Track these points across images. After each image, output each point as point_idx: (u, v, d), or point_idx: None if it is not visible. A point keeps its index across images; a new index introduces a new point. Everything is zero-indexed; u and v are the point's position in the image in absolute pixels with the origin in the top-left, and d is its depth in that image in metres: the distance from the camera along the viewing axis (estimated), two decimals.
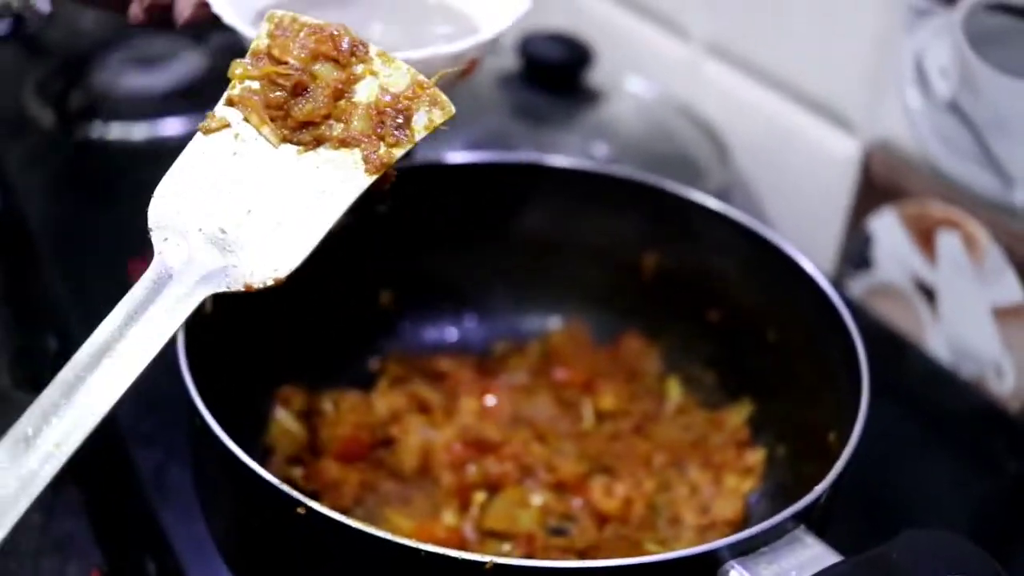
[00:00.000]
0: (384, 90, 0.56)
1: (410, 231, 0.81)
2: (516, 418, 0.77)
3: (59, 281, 0.97)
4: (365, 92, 0.56)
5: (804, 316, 0.73)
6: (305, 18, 0.57)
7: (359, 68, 0.56)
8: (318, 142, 0.56)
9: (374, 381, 0.80)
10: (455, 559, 0.51)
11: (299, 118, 0.55)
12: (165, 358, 0.81)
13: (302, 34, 0.56)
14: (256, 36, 0.57)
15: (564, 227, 0.83)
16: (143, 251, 0.96)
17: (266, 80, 0.55)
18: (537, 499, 0.72)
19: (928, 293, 0.95)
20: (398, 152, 0.56)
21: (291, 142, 0.56)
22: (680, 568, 0.53)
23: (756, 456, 0.75)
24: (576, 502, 0.72)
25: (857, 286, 1.01)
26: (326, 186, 0.56)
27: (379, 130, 0.56)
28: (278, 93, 0.55)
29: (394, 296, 0.84)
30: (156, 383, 0.82)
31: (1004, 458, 0.88)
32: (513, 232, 0.83)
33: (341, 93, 0.56)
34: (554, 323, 0.86)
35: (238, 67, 0.56)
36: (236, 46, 1.31)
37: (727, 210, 0.78)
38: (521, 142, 1.02)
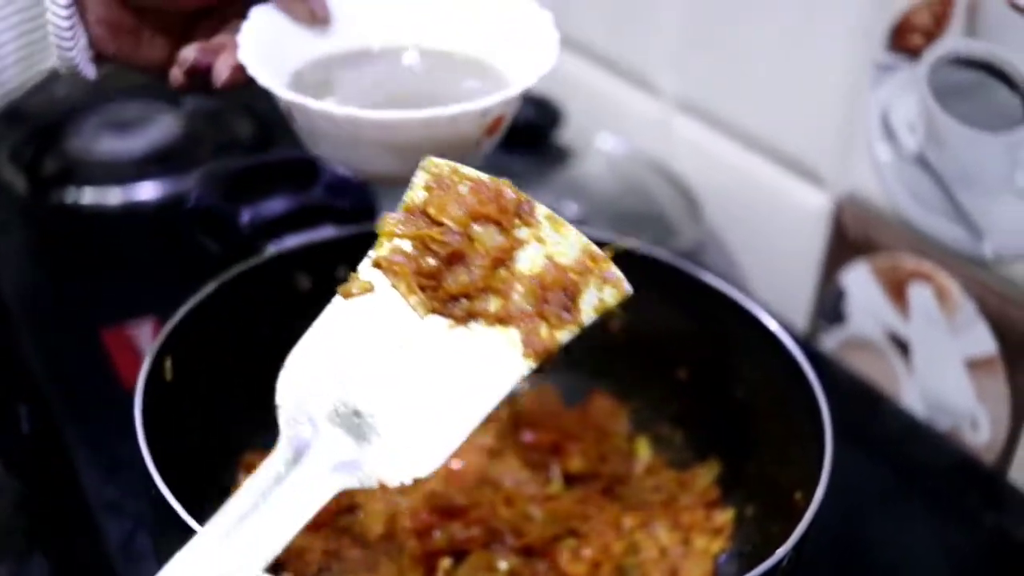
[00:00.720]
0: (550, 260, 0.50)
1: None
2: (483, 481, 0.76)
3: (31, 348, 0.97)
4: (528, 261, 0.50)
5: (770, 375, 0.73)
6: (466, 170, 0.51)
7: (523, 232, 0.50)
8: (471, 316, 0.50)
9: None
10: None
11: (453, 291, 0.50)
12: (130, 425, 0.82)
13: (462, 188, 0.50)
14: (411, 186, 0.51)
15: None
16: (116, 319, 0.97)
17: (419, 243, 0.50)
18: (503, 564, 0.71)
19: (902, 346, 0.94)
20: (562, 336, 0.50)
21: (440, 314, 0.50)
22: None
23: (725, 516, 0.74)
24: (543, 566, 0.71)
25: (831, 340, 1.01)
26: (478, 369, 0.50)
27: (542, 308, 0.49)
28: (431, 260, 0.49)
29: None
30: (120, 449, 0.83)
31: (981, 511, 0.88)
32: None
33: (501, 261, 0.50)
34: (522, 385, 0.85)
35: (388, 223, 0.51)
36: (209, 110, 1.32)
37: (692, 269, 0.78)
38: None
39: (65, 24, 0.62)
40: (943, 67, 0.85)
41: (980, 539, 0.87)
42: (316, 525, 0.71)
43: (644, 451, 0.81)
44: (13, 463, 1.00)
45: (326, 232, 0.78)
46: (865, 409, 0.95)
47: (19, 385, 0.98)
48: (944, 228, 0.89)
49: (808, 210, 1.00)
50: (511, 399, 0.83)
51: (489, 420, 0.80)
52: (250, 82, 0.64)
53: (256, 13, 0.66)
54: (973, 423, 0.90)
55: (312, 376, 0.50)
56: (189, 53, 0.64)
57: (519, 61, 0.68)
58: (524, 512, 0.74)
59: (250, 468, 0.74)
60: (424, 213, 0.50)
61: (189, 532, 0.55)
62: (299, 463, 0.48)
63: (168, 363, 0.67)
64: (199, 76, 0.64)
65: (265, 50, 0.65)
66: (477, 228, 0.50)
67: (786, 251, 1.04)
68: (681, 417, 0.81)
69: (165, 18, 0.65)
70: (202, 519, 0.56)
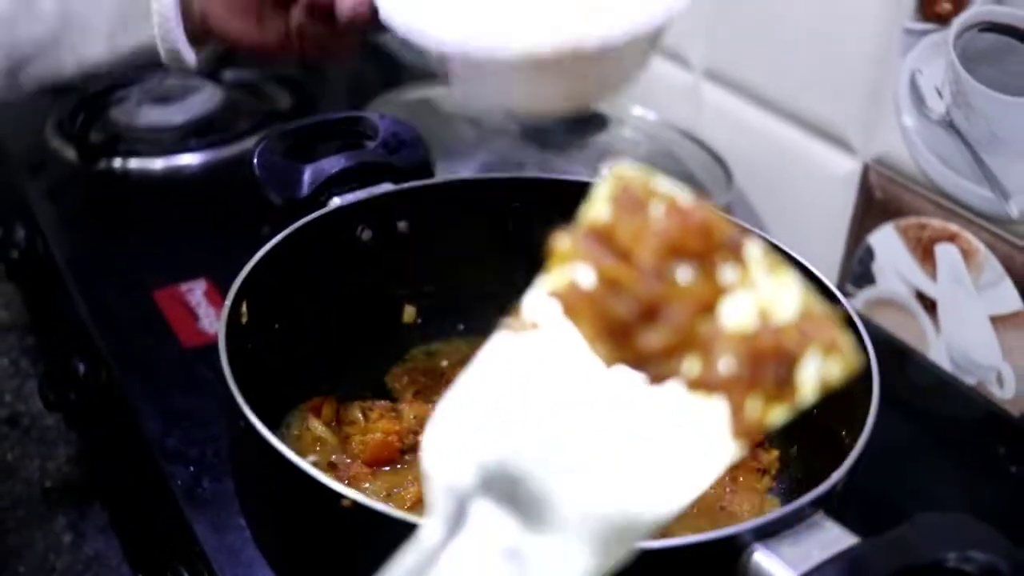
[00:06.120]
0: (763, 315, 0.38)
1: (431, 247, 0.84)
2: None
3: (84, 308, 0.99)
4: (736, 315, 0.38)
5: None
6: (662, 185, 0.39)
7: (729, 274, 0.38)
8: (665, 377, 0.38)
9: (399, 394, 0.82)
10: None
11: (648, 351, 0.38)
12: (188, 378, 0.84)
13: (656, 210, 0.38)
14: (592, 199, 0.40)
15: None
16: (165, 279, 1.00)
17: (605, 282, 0.38)
18: None
19: (930, 305, 0.97)
20: (777, 415, 0.38)
21: (627, 366, 0.38)
22: (705, 551, 0.55)
23: (770, 456, 0.77)
24: None
25: (860, 300, 1.04)
26: (676, 443, 0.38)
27: (755, 376, 0.37)
28: (622, 309, 0.38)
29: (417, 311, 0.86)
30: (179, 401, 0.86)
31: (1006, 462, 0.91)
32: (527, 244, 0.85)
33: (704, 311, 0.38)
34: None
35: (564, 244, 0.39)
36: (248, 82, 1.35)
37: (737, 221, 0.80)
38: (530, 167, 1.06)
39: (170, 10, 0.63)
40: (970, 32, 0.88)
41: (1007, 490, 0.89)
42: (382, 462, 0.74)
43: None
44: (72, 417, 1.03)
45: (385, 187, 0.81)
46: (894, 366, 0.98)
47: (75, 343, 1.01)
48: (970, 190, 0.91)
49: (836, 174, 1.03)
50: None
51: None
52: (374, 20, 0.64)
53: None
54: (999, 378, 0.93)
55: (466, 432, 0.39)
56: None
57: None
58: None
59: (317, 411, 0.77)
60: (611, 238, 0.39)
61: (279, 459, 0.57)
62: (453, 539, 0.38)
63: (244, 307, 0.70)
64: (320, 12, 0.65)
65: None
66: (677, 270, 0.38)
67: (815, 214, 1.07)
68: None
69: None
70: None
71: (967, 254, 0.93)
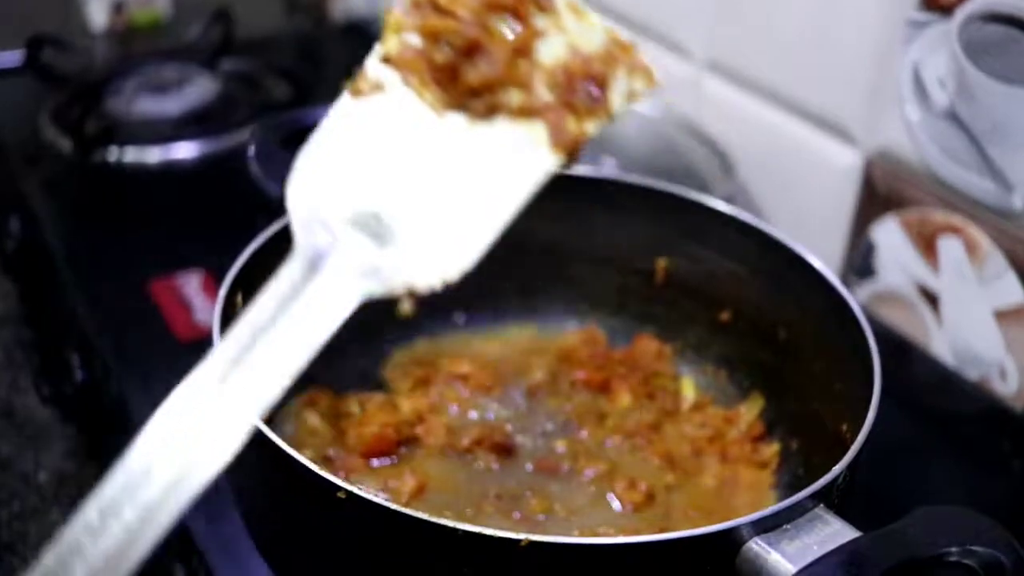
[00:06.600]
0: (574, 50, 0.46)
1: None
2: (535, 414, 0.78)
3: (80, 301, 0.99)
4: (550, 52, 0.46)
5: (813, 312, 0.74)
6: None
7: (541, 22, 0.46)
8: (492, 111, 0.46)
9: (395, 386, 0.81)
10: (491, 537, 0.52)
11: (473, 83, 0.45)
12: (182, 372, 0.83)
13: None
14: None
15: (577, 234, 0.85)
16: (159, 271, 1.00)
17: (430, 36, 0.46)
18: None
19: (932, 298, 0.97)
20: (591, 126, 0.46)
21: (459, 110, 0.46)
22: (704, 545, 0.55)
23: (771, 450, 0.76)
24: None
25: (861, 294, 1.03)
26: (503, 165, 0.46)
27: (568, 98, 0.46)
28: (446, 51, 0.45)
29: (414, 303, 0.85)
30: (168, 394, 0.85)
31: (1009, 457, 0.90)
32: (528, 241, 0.85)
33: (521, 52, 0.46)
34: (570, 327, 0.88)
35: (394, 16, 0.47)
36: (245, 72, 1.34)
37: (735, 212, 0.80)
38: None
39: None
40: (974, 23, 0.87)
41: (1009, 485, 0.89)
42: (378, 455, 0.74)
43: (689, 390, 0.83)
44: (67, 410, 1.03)
45: None
46: (896, 359, 0.97)
47: (70, 336, 1.00)
48: (974, 182, 0.91)
49: (839, 166, 1.02)
50: (559, 342, 0.86)
51: (540, 358, 0.84)
52: None
53: None
54: (1002, 372, 0.92)
55: (325, 179, 0.46)
56: None
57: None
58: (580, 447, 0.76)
59: (312, 403, 0.76)
60: (433, 4, 0.46)
61: (274, 451, 0.57)
62: (318, 271, 0.44)
63: (239, 298, 0.69)
64: None
65: None
66: (493, 20, 0.46)
67: (817, 207, 1.06)
68: (724, 358, 0.84)
69: None
70: None
71: (970, 247, 0.92)
